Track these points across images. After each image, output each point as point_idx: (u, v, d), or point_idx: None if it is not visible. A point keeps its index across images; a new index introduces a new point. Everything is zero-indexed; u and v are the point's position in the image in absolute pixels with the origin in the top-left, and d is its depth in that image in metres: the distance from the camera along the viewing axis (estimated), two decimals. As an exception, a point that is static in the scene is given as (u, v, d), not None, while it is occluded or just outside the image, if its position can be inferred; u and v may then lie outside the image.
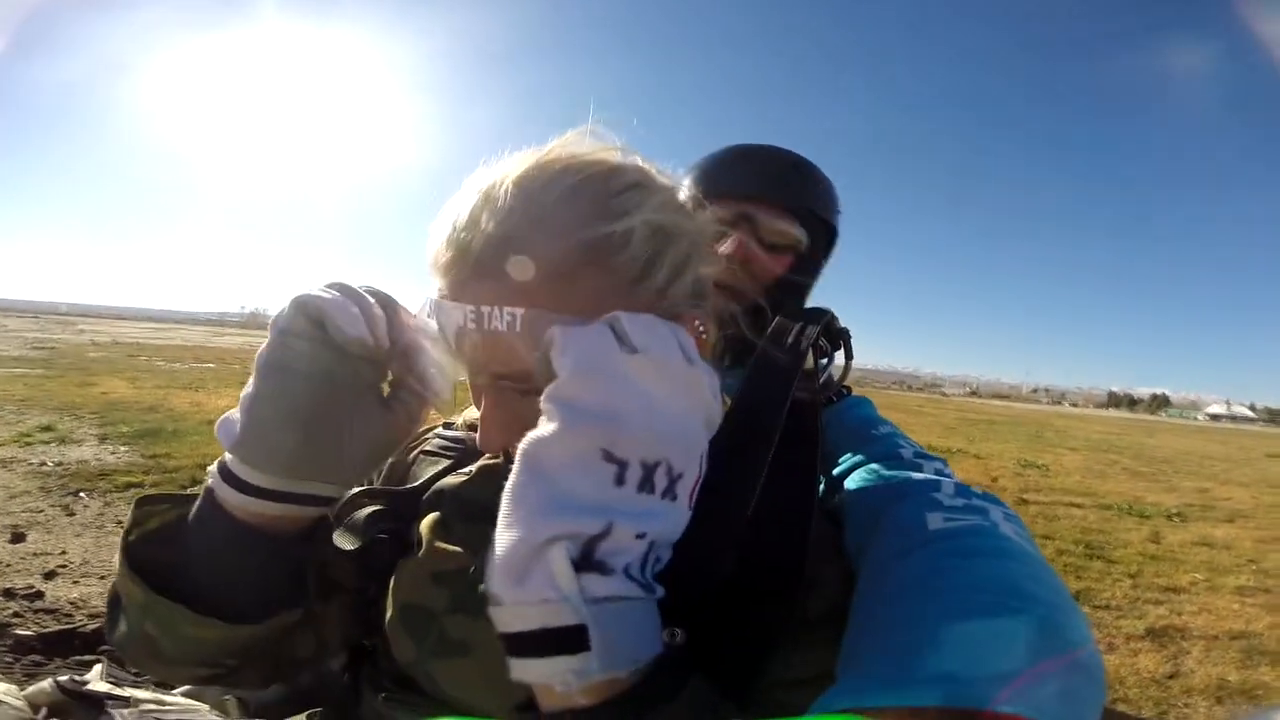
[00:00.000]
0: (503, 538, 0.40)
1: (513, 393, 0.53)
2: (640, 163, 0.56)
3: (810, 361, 0.75)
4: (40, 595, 2.94)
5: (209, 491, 0.55)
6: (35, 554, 3.41)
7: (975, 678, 0.43)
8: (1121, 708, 2.67)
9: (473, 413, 0.73)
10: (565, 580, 0.38)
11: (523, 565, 0.39)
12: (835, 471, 0.77)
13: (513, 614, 0.40)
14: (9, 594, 2.97)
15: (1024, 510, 7.22)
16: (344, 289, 0.53)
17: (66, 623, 2.67)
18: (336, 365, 0.52)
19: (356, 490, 0.66)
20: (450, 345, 0.53)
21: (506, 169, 0.53)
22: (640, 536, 0.40)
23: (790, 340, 0.73)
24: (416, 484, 0.70)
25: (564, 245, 0.49)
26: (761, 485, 0.56)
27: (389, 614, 0.62)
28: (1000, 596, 0.48)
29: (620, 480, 0.40)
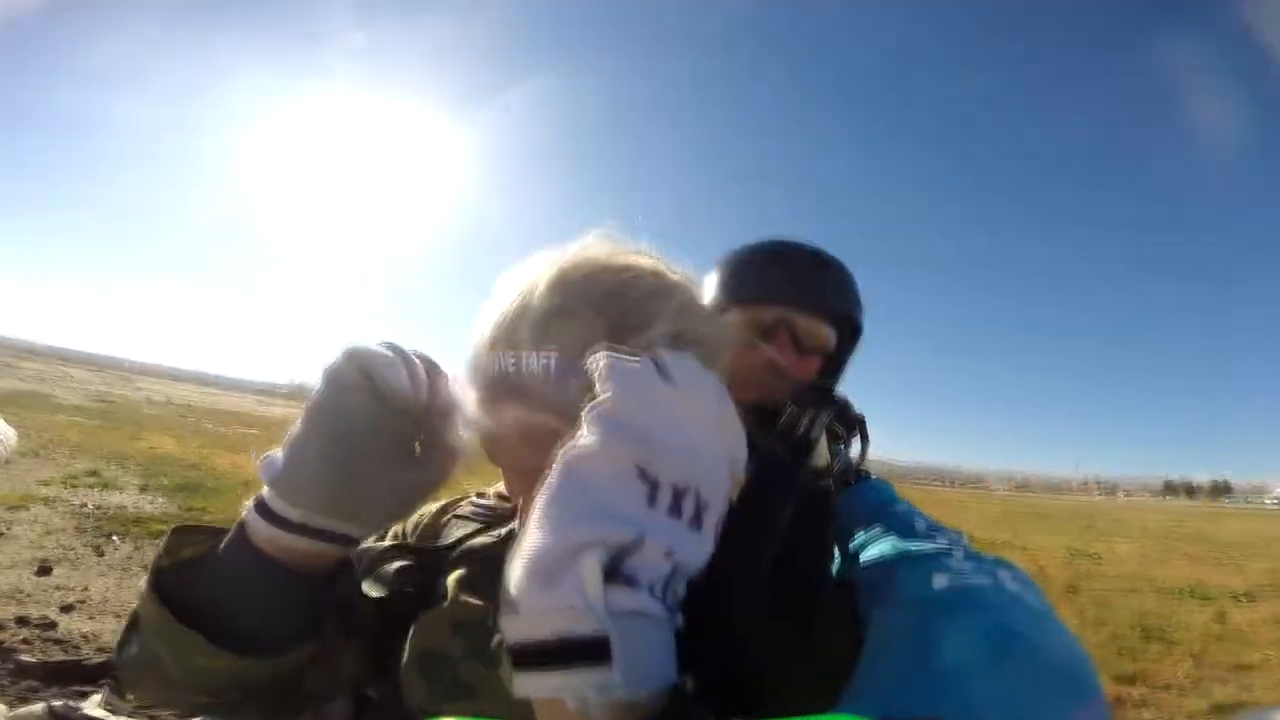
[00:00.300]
0: (533, 539, 0.39)
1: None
2: (658, 266, 0.61)
3: (825, 450, 0.80)
4: (54, 626, 2.97)
5: (241, 524, 0.57)
6: (58, 587, 3.46)
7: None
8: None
9: (502, 484, 0.77)
10: (594, 588, 0.37)
11: (554, 568, 0.38)
12: (851, 546, 0.79)
13: (531, 622, 0.38)
14: (23, 621, 3.03)
15: (1074, 599, 6.78)
16: (393, 347, 0.57)
17: (73, 654, 2.68)
18: (379, 415, 0.55)
19: (389, 544, 0.70)
20: (478, 407, 0.58)
21: (534, 277, 0.59)
22: (668, 555, 0.40)
23: (801, 431, 0.75)
24: (446, 543, 0.74)
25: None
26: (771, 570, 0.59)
27: (406, 658, 0.64)
28: (994, 642, 0.49)
29: (652, 500, 0.40)
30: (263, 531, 0.55)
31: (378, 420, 0.55)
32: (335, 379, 0.55)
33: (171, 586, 0.57)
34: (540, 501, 0.41)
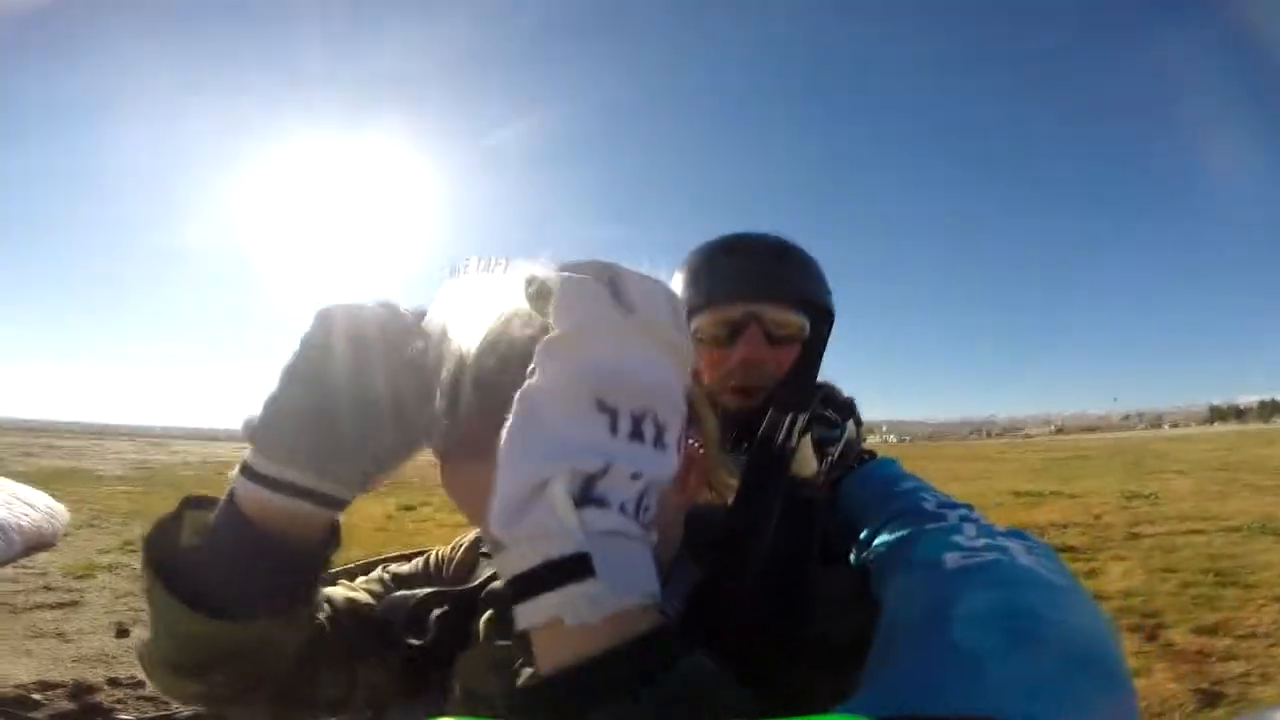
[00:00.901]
0: (501, 478, 0.40)
1: None
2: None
3: (810, 457, 0.84)
4: (142, 684, 3.10)
5: (230, 490, 0.58)
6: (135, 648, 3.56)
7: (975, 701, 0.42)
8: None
9: None
10: (565, 511, 0.38)
11: (521, 501, 0.39)
12: (862, 535, 0.79)
13: (514, 555, 0.40)
14: (114, 683, 3.24)
15: (1137, 545, 6.59)
16: (383, 304, 0.58)
17: (163, 709, 2.79)
18: (350, 374, 0.55)
19: (426, 592, 0.73)
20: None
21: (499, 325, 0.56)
22: (636, 477, 0.41)
23: (781, 437, 0.75)
24: (476, 583, 0.77)
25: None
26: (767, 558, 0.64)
27: (456, 695, 0.68)
28: (1010, 624, 0.47)
29: (614, 429, 0.41)
30: (240, 489, 0.56)
31: (350, 380, 0.55)
32: (305, 341, 0.56)
33: (167, 554, 0.58)
34: (504, 441, 0.41)
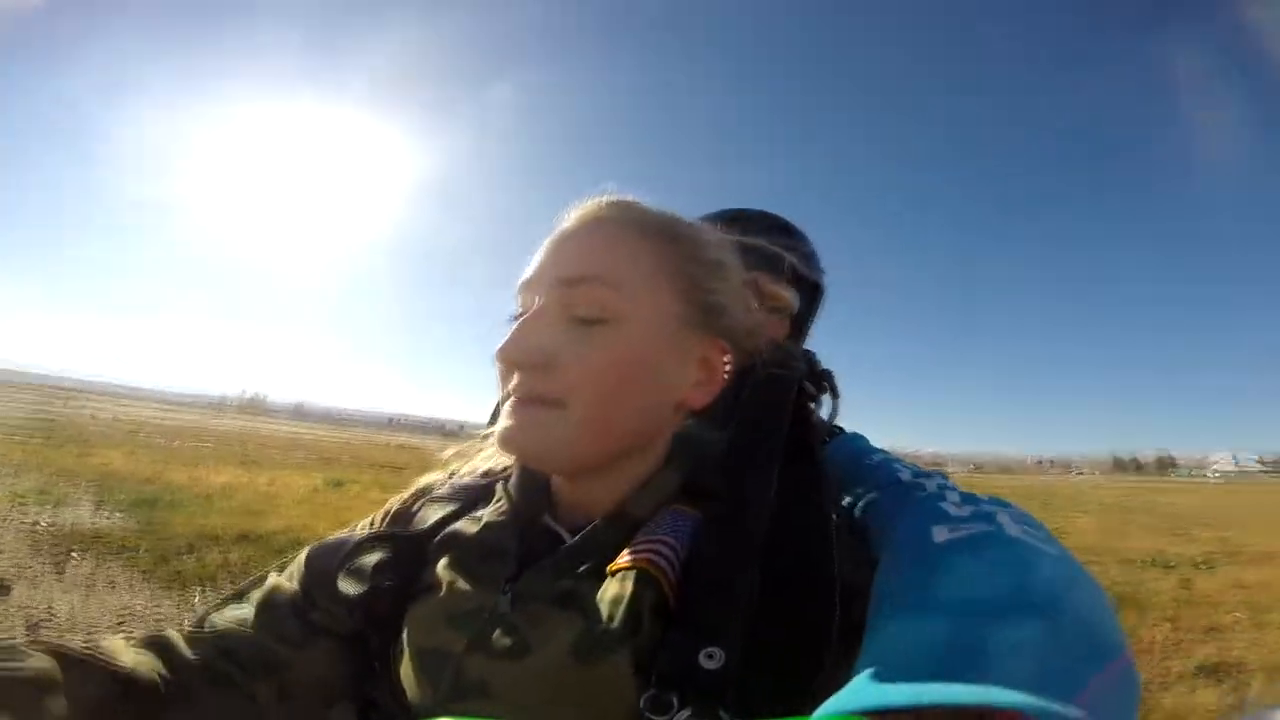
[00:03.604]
0: None
1: (560, 313, 0.58)
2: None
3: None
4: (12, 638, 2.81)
5: None
6: (20, 607, 3.27)
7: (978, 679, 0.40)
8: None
9: (479, 464, 0.75)
10: None
11: None
12: (843, 505, 0.76)
13: None
14: None
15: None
16: None
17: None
18: None
19: (364, 536, 0.65)
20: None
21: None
22: None
23: (783, 367, 0.75)
24: (424, 528, 0.68)
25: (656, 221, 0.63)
26: (774, 504, 0.57)
27: (405, 659, 0.59)
28: (1007, 601, 0.45)
29: None
30: None
31: None
32: None
33: None
34: None
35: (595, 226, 0.62)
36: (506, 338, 0.58)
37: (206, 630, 0.64)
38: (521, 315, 0.60)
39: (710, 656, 0.46)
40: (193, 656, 0.61)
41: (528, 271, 0.62)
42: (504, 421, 0.59)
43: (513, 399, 0.59)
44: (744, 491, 0.58)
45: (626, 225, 0.61)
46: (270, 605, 0.66)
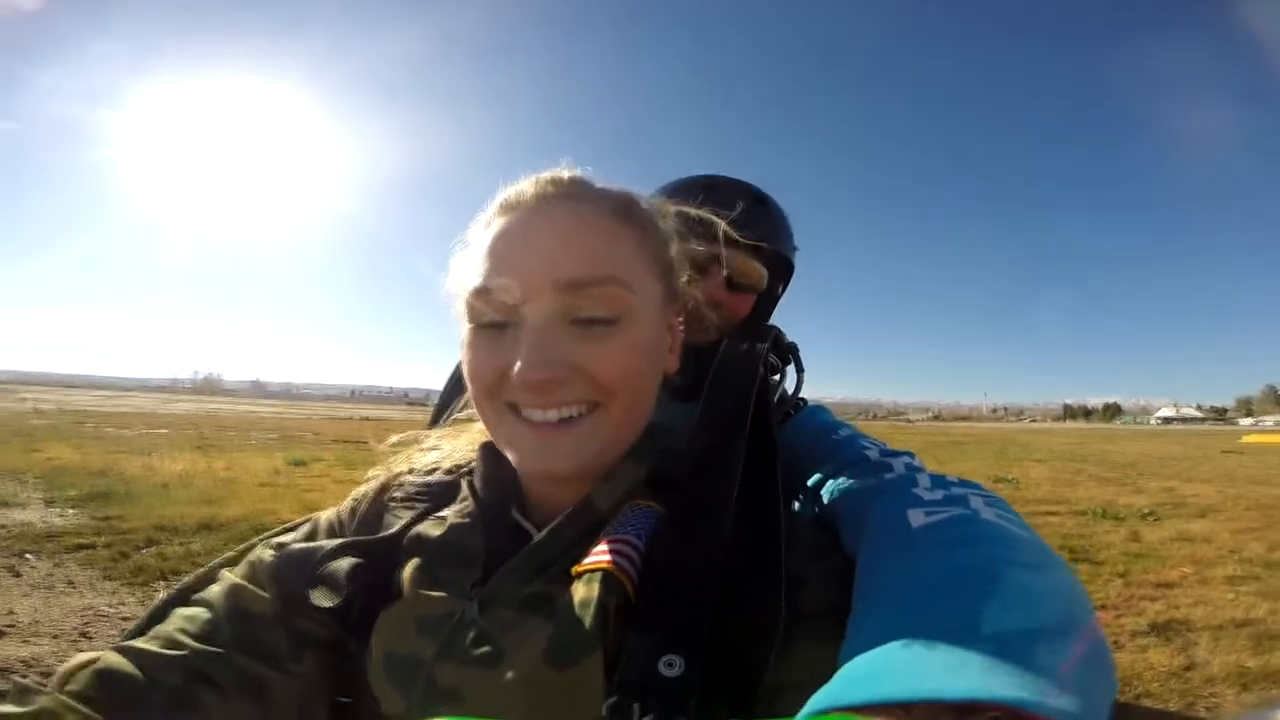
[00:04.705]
0: None
1: (564, 316, 0.56)
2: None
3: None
4: None
5: None
6: None
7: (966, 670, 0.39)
8: (1147, 702, 2.56)
9: (434, 456, 0.75)
10: None
11: None
12: (810, 483, 0.77)
13: None
14: None
15: (1004, 522, 7.23)
16: None
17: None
18: None
19: (336, 543, 0.64)
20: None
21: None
22: None
23: (745, 349, 0.75)
24: (392, 531, 0.67)
25: (625, 199, 0.63)
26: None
27: (373, 665, 0.59)
28: (986, 587, 0.45)
29: None
30: None
31: None
32: None
33: None
34: None
35: (577, 218, 0.59)
36: (529, 361, 0.54)
37: (175, 654, 0.61)
38: (501, 322, 0.58)
39: (670, 665, 0.46)
40: (166, 682, 0.59)
41: (500, 267, 0.58)
42: (538, 448, 0.57)
43: (541, 424, 0.57)
44: (707, 488, 0.57)
45: (611, 213, 0.61)
46: (244, 618, 0.64)
